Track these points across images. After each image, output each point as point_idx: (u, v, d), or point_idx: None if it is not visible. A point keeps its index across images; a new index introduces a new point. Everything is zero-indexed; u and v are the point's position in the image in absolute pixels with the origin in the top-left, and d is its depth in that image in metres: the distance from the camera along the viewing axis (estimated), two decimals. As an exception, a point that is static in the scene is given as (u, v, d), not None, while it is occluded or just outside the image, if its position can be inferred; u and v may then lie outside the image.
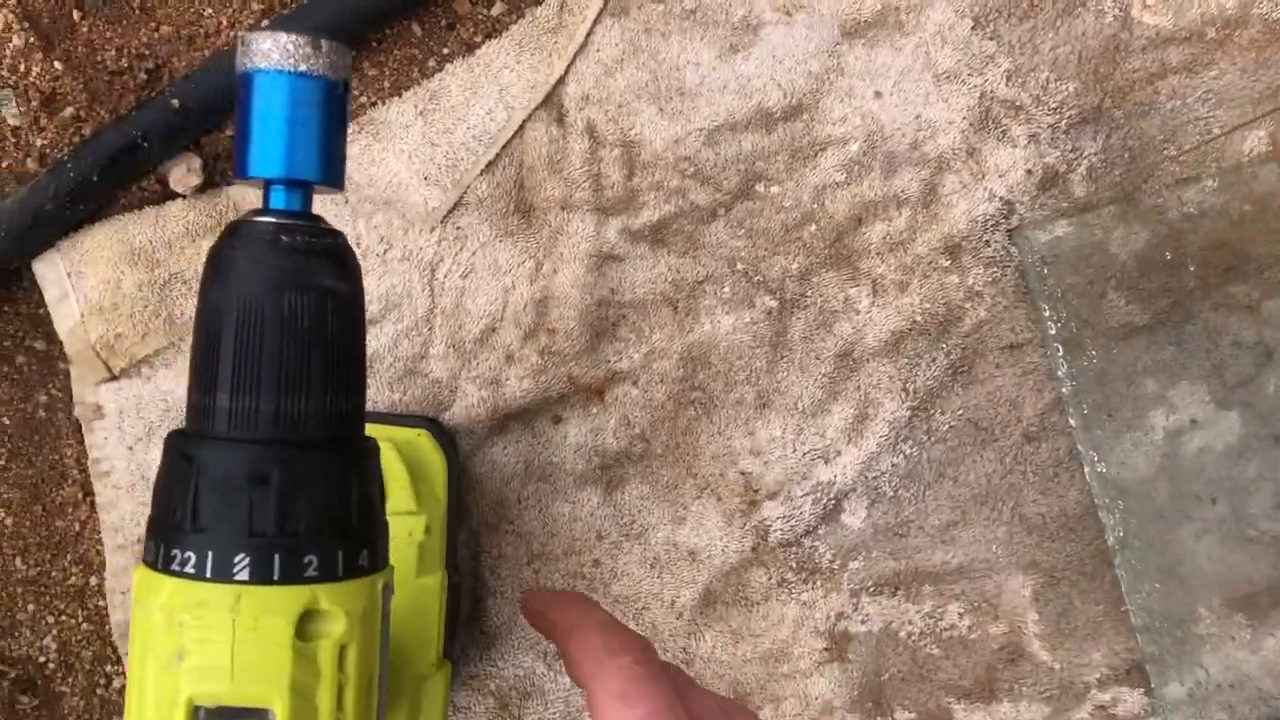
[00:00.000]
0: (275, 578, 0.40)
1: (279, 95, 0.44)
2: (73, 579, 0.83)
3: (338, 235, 0.45)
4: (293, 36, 0.43)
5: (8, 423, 0.82)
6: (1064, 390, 0.81)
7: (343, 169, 0.47)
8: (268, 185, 0.45)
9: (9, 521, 0.82)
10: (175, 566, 0.40)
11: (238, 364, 0.41)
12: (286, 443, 0.42)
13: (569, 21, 0.78)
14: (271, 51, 0.43)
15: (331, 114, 0.45)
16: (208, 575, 0.40)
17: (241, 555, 0.40)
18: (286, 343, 0.42)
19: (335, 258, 0.44)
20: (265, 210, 0.44)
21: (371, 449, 0.46)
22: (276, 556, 0.40)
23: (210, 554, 0.40)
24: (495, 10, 0.80)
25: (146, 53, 0.78)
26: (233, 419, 0.41)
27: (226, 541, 0.40)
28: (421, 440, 0.73)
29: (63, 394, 0.82)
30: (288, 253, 0.43)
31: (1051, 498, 0.81)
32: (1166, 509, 0.80)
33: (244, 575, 0.40)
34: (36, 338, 0.82)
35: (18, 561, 0.83)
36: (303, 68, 0.43)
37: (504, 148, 0.78)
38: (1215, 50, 0.83)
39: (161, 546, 0.41)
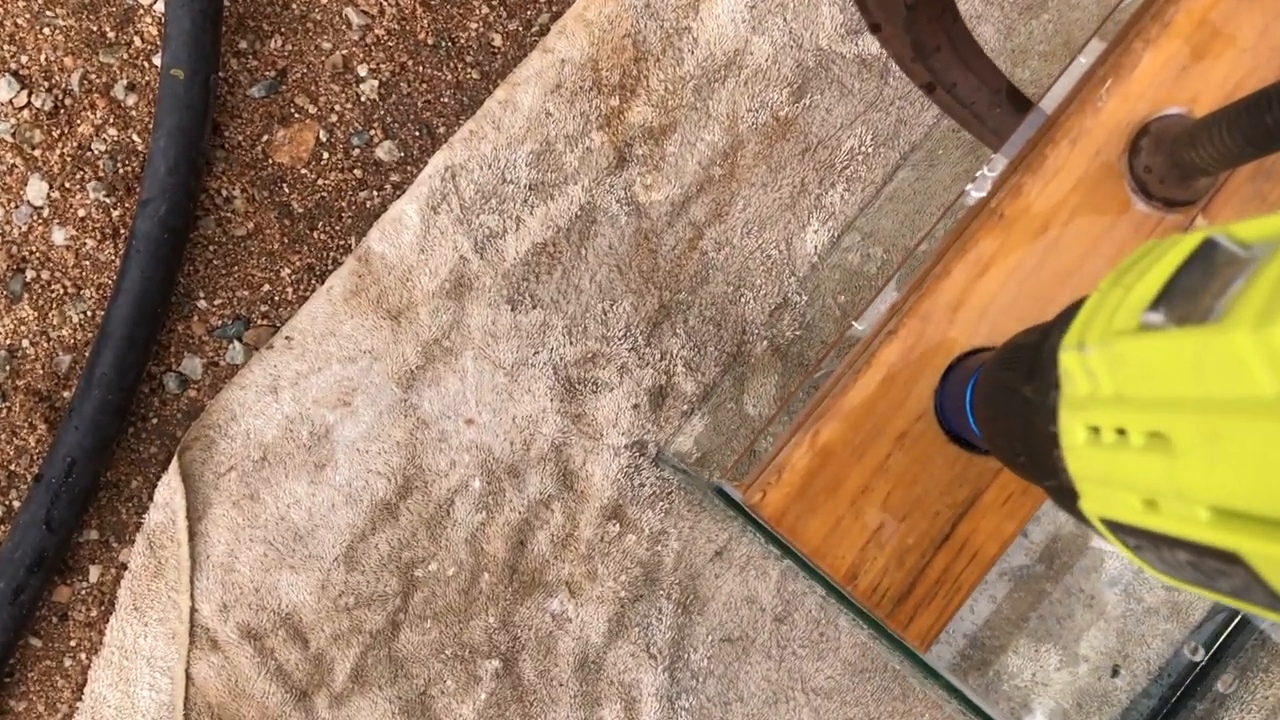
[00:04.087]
0: None
1: None
2: None
3: None
4: None
5: None
6: (784, 562, 0.83)
7: None
8: None
9: None
10: None
11: None
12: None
13: (165, 556, 0.78)
14: None
15: None
16: None
17: None
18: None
19: None
20: None
21: None
22: None
23: None
24: (93, 577, 0.79)
25: None
26: None
27: None
28: None
29: None
30: None
31: (830, 657, 0.83)
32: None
33: None
34: None
35: None
36: None
37: (186, 708, 0.77)
38: (730, 183, 0.85)
39: None
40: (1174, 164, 0.49)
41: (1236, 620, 0.83)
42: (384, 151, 0.83)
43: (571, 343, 0.82)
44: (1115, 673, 0.81)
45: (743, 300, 0.85)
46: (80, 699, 0.78)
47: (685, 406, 0.84)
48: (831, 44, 0.85)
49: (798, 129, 0.84)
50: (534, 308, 0.82)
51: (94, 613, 0.79)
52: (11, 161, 0.79)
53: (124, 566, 0.79)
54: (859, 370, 0.50)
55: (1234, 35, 0.52)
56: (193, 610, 0.78)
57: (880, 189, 0.85)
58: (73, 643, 0.79)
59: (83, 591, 0.79)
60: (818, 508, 0.49)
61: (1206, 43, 0.52)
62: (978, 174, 0.54)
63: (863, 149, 0.85)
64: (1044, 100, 0.56)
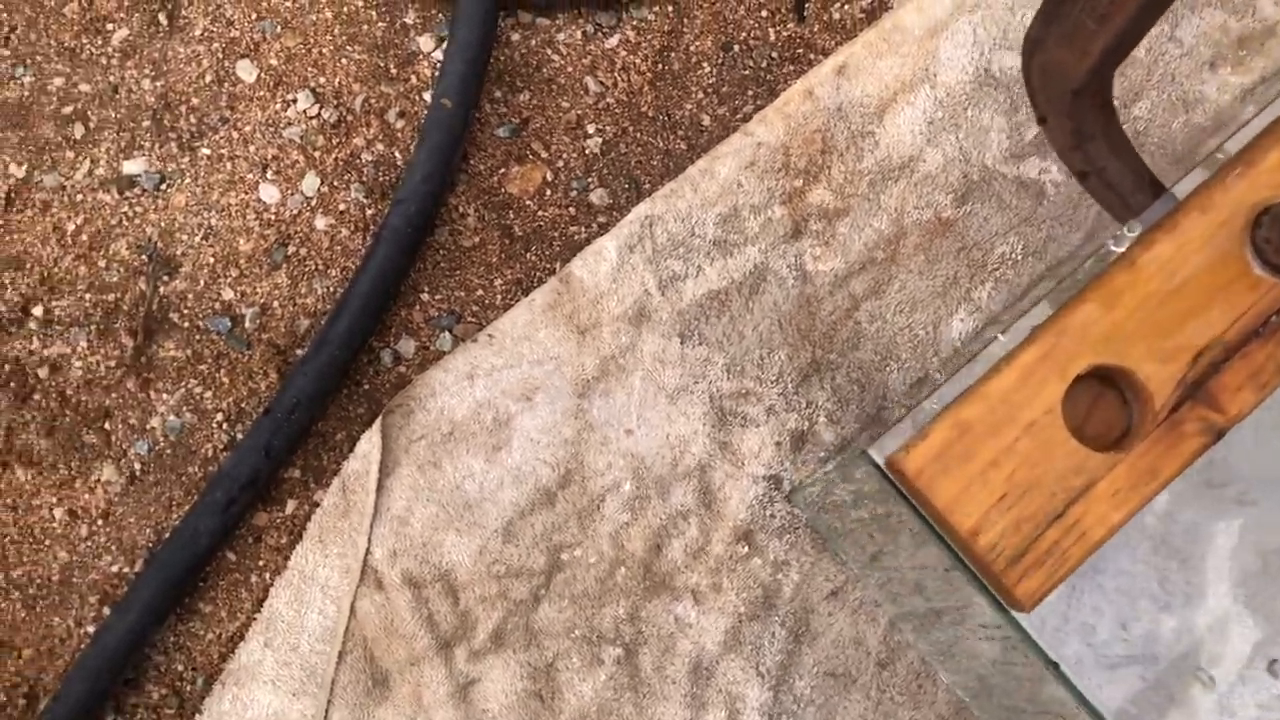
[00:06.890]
0: None
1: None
2: None
3: None
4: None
5: None
6: (892, 612, 0.90)
7: None
8: None
9: None
10: None
11: None
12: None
13: (354, 500, 0.89)
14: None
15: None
16: None
17: None
18: None
19: None
20: None
21: None
22: None
23: None
24: (289, 509, 0.91)
25: (19, 679, 0.88)
26: None
27: None
28: None
29: None
30: None
31: (924, 708, 0.89)
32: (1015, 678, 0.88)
33: None
34: None
35: None
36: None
37: (345, 636, 0.87)
38: (890, 266, 0.96)
39: None
40: (1290, 237, 0.59)
41: None
42: (597, 197, 0.97)
43: (729, 379, 0.93)
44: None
45: (887, 369, 0.94)
46: (259, 611, 0.89)
47: (822, 453, 0.93)
48: (996, 164, 0.96)
49: (956, 230, 0.96)
50: (700, 344, 0.94)
51: (284, 540, 0.91)
52: (295, 158, 0.96)
53: (316, 504, 0.91)
54: (999, 367, 0.60)
55: (1354, 148, 0.62)
56: (368, 552, 0.89)
57: (1025, 292, 0.95)
58: (261, 563, 0.90)
59: (278, 520, 0.91)
60: (951, 470, 0.58)
61: (1329, 150, 0.62)
62: (1119, 233, 0.64)
63: (1013, 255, 0.95)
64: (1177, 187, 0.66)
